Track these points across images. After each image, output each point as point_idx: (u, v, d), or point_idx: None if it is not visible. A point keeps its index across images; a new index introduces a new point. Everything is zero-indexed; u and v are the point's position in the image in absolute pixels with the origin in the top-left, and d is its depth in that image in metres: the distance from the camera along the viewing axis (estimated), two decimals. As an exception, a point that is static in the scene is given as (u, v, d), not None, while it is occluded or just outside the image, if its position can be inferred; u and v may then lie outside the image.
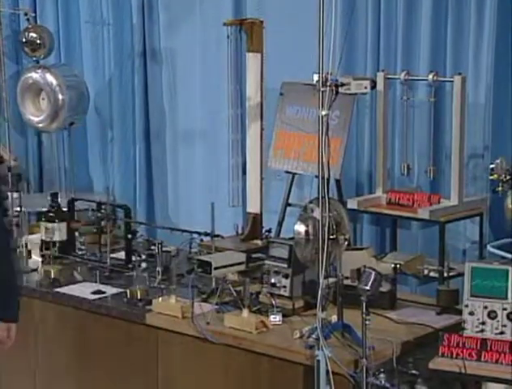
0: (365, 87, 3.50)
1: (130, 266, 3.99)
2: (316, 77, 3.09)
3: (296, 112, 4.23)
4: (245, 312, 3.34)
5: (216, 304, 3.48)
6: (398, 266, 3.50)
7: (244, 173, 4.32)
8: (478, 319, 2.93)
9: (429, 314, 3.45)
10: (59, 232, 4.18)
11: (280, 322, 3.36)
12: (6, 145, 4.94)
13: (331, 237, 3.15)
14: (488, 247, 3.82)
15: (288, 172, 4.28)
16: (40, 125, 5.12)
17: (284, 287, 3.51)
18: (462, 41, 4.04)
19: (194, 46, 5.03)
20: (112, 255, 4.04)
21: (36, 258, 4.22)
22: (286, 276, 3.52)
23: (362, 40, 4.32)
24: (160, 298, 3.57)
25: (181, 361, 3.49)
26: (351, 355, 3.06)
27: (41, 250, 4.20)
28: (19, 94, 5.12)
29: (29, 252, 4.25)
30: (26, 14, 5.23)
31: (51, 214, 4.23)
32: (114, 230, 4.29)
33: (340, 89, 3.11)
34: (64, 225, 4.20)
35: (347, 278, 3.34)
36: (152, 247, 4.09)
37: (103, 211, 4.12)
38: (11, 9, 5.39)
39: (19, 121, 5.35)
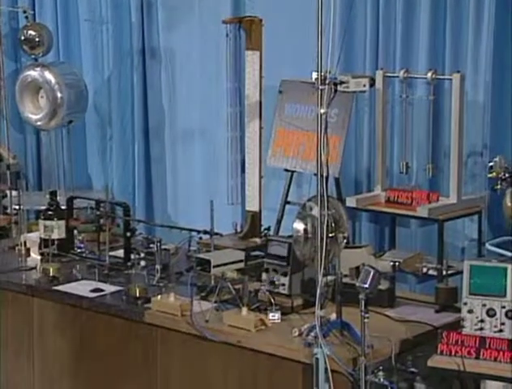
0: (364, 85, 3.50)
1: (129, 264, 3.99)
2: (315, 75, 3.09)
3: (295, 110, 4.23)
4: (244, 310, 3.34)
5: (215, 302, 3.48)
6: (396, 264, 3.50)
7: (243, 171, 4.32)
8: (477, 317, 2.93)
9: (428, 311, 3.45)
10: (58, 230, 4.18)
11: (279, 320, 3.36)
12: (5, 143, 4.94)
13: (330, 235, 3.15)
14: (487, 245, 3.82)
15: (286, 170, 4.29)
16: (39, 123, 5.12)
17: (283, 285, 3.51)
18: (461, 39, 4.04)
19: (192, 44, 5.03)
20: (111, 253, 4.04)
21: (34, 256, 4.22)
22: (285, 274, 3.52)
23: (361, 39, 4.32)
24: (159, 296, 3.57)
25: (180, 359, 3.49)
26: (350, 353, 3.06)
27: (40, 248, 4.20)
28: (17, 92, 5.12)
29: (28, 250, 4.25)
30: (25, 12, 5.23)
31: (50, 212, 4.23)
32: (113, 228, 4.29)
33: (339, 87, 3.12)
34: (63, 223, 4.20)
35: (345, 276, 3.34)
36: (151, 245, 4.09)
37: (102, 209, 4.11)
38: (10, 7, 5.39)
39: (17, 119, 5.35)
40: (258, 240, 4.08)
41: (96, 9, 5.34)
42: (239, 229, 4.22)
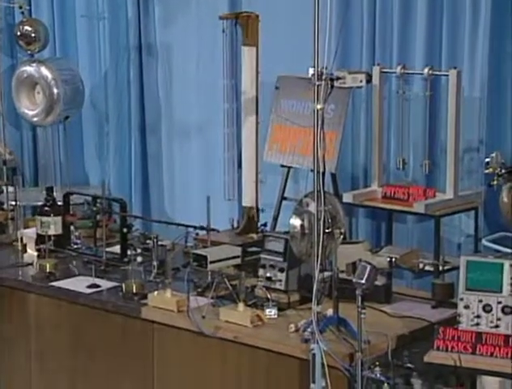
0: (361, 81, 3.50)
1: (126, 260, 3.98)
2: (311, 71, 3.09)
3: (292, 106, 4.23)
4: (241, 306, 3.34)
5: (212, 298, 3.48)
6: (393, 260, 3.50)
7: (239, 166, 4.32)
8: (473, 313, 2.93)
9: (425, 307, 3.45)
10: (54, 226, 4.18)
11: (276, 316, 3.37)
12: (1, 139, 4.93)
13: (327, 230, 3.15)
14: (483, 241, 3.83)
15: (283, 166, 4.28)
16: (35, 119, 5.11)
17: (280, 281, 3.51)
18: (458, 35, 4.05)
19: (189, 40, 5.02)
20: (107, 249, 4.04)
21: (31, 252, 4.22)
22: (281, 270, 3.52)
23: (358, 34, 4.32)
24: (156, 292, 3.57)
25: (177, 355, 3.49)
26: (346, 348, 3.06)
27: (37, 243, 4.19)
28: (13, 88, 5.11)
29: (24, 246, 4.25)
30: (21, 8, 5.22)
31: (46, 208, 4.22)
32: (110, 224, 4.28)
33: (335, 83, 3.11)
34: (59, 219, 4.20)
35: (342, 272, 3.34)
36: (148, 241, 4.09)
37: (98, 205, 4.11)
38: (6, 2, 5.37)
39: (13, 115, 5.34)
40: (254, 236, 4.08)
41: (92, 4, 5.33)
42: (236, 225, 4.22)
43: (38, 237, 4.20)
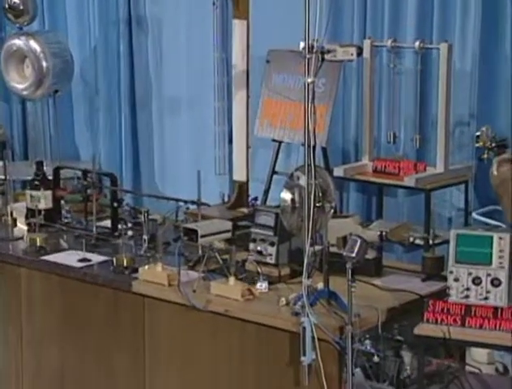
0: (351, 54, 3.48)
1: (116, 234, 3.98)
2: (302, 44, 3.07)
3: (283, 80, 4.22)
4: (232, 280, 3.35)
5: (203, 272, 3.49)
6: (383, 233, 3.51)
7: (230, 141, 4.31)
8: (462, 285, 2.95)
9: (415, 280, 3.47)
10: (44, 200, 4.17)
11: (266, 290, 3.38)
12: (-10, 113, 4.91)
13: (317, 204, 3.15)
14: (474, 214, 3.84)
15: (274, 140, 4.28)
16: (25, 92, 5.08)
17: (270, 255, 3.52)
18: (449, 9, 4.03)
19: (179, 13, 4.99)
20: (98, 223, 4.03)
21: (21, 226, 4.21)
22: (272, 244, 3.52)
23: (349, 8, 4.30)
24: (147, 266, 3.57)
25: (168, 329, 3.50)
26: (336, 322, 3.08)
27: (27, 218, 4.19)
28: (2, 61, 5.07)
29: (15, 220, 4.24)
30: (8, -20, 5.16)
31: (36, 182, 4.21)
32: (100, 198, 4.28)
33: (326, 56, 3.10)
34: (49, 193, 4.19)
35: (333, 245, 3.34)
36: (138, 215, 4.09)
37: (89, 179, 4.10)
38: (-7, -26, 5.32)
39: (2, 89, 5.31)
40: (245, 210, 4.08)
41: (81, -23, 5.29)
42: (226, 199, 4.22)
43: (28, 211, 4.19)
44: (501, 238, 2.92)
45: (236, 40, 4.08)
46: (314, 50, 3.03)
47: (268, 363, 3.23)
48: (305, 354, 3.01)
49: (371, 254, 3.42)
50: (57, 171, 4.29)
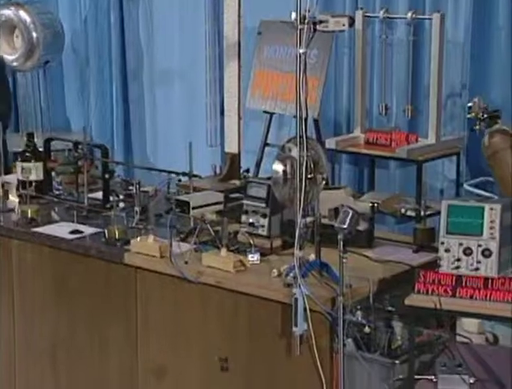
0: (343, 25, 3.46)
1: (108, 206, 3.97)
2: (294, 15, 3.06)
3: (274, 51, 4.19)
4: (224, 251, 3.36)
5: (194, 243, 3.49)
6: (375, 205, 3.52)
7: (222, 112, 4.29)
8: (453, 256, 2.96)
9: (406, 251, 3.48)
10: (35, 171, 4.16)
11: (258, 262, 3.38)
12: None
13: (309, 176, 3.15)
14: (465, 186, 3.85)
15: (265, 112, 4.26)
16: (15, 63, 5.05)
17: (262, 226, 3.52)
18: (442, -22, 4.01)
19: (171, -17, 4.96)
20: (89, 195, 4.03)
21: (12, 198, 4.20)
22: (264, 216, 3.53)
23: (341, -22, 4.27)
24: (139, 238, 3.57)
25: (160, 300, 3.51)
26: (328, 293, 3.09)
27: (18, 189, 4.18)
28: (-9, 32, 5.04)
29: (6, 192, 4.23)
30: (-2, -51, 5.12)
31: (27, 154, 4.20)
32: (91, 170, 4.27)
33: (318, 27, 3.08)
34: (40, 165, 4.18)
35: (324, 217, 3.35)
36: (130, 187, 4.08)
37: (80, 150, 4.08)
38: None
39: (-8, 60, 5.26)
40: (237, 182, 4.07)
41: None
42: (218, 171, 4.21)
43: (19, 182, 4.18)
44: (492, 209, 2.93)
45: (227, 10, 4.06)
46: (306, 21, 3.02)
47: (260, 334, 3.24)
48: (296, 325, 3.02)
49: (363, 226, 3.43)
50: (47, 143, 4.27)
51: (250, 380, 3.29)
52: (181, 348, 3.47)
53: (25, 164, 4.16)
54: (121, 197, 4.04)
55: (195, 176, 3.92)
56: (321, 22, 3.12)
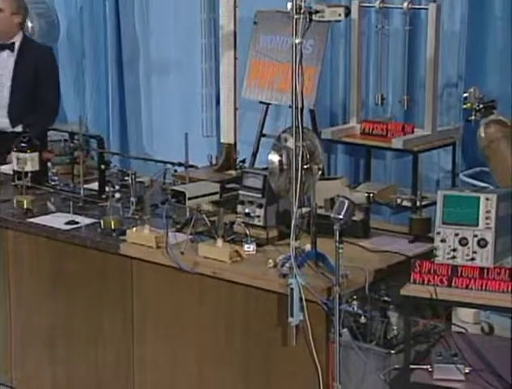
0: (339, 15, 3.46)
1: (104, 196, 3.97)
2: (290, 4, 3.05)
3: (270, 41, 4.19)
4: (220, 242, 3.35)
5: (190, 234, 3.48)
6: (371, 195, 3.51)
7: (218, 103, 4.29)
8: (449, 246, 2.96)
9: (402, 242, 3.48)
10: (31, 162, 4.15)
11: (254, 252, 3.38)
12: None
13: (305, 166, 3.15)
14: (461, 176, 3.85)
15: (262, 102, 4.26)
16: (10, 53, 5.02)
17: (258, 217, 3.52)
18: (438, -32, 4.00)
19: (166, -27, 4.95)
20: (85, 186, 4.02)
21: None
22: (260, 206, 3.52)
23: (337, -33, 4.27)
24: (134, 228, 3.56)
25: (156, 291, 3.51)
26: (324, 283, 3.09)
27: (13, 180, 4.17)
28: (-13, 21, 5.01)
29: (1, 182, 4.22)
30: None
31: (23, 144, 4.19)
32: (87, 161, 4.26)
33: (314, 16, 3.07)
34: (36, 156, 4.17)
35: (320, 207, 3.35)
36: (126, 178, 4.07)
37: (76, 141, 4.08)
38: None
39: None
40: (233, 172, 4.07)
41: None
42: (214, 162, 4.21)
43: (15, 173, 4.17)
44: (487, 199, 2.93)
45: (223, 0, 4.04)
46: (302, 11, 3.01)
47: (256, 324, 3.25)
48: (292, 315, 3.03)
49: (358, 216, 3.42)
50: (43, 133, 4.26)
51: (246, 370, 3.29)
52: (177, 337, 3.47)
53: (21, 155, 4.15)
54: (117, 187, 4.03)
55: (191, 166, 3.92)
56: (317, 12, 3.11)
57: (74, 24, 5.26)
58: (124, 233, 3.59)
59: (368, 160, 4.19)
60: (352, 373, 3.05)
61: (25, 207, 3.91)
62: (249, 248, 3.37)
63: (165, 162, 4.05)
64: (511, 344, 2.93)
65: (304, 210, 3.27)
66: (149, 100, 5.13)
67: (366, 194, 3.51)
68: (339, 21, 3.79)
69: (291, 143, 3.16)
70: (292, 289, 3.01)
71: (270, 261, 3.27)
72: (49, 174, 4.23)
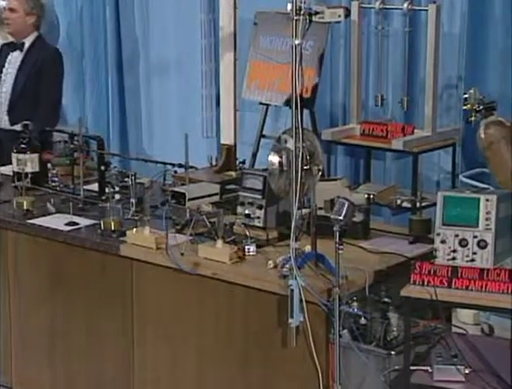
0: (339, 16, 3.46)
1: (104, 197, 3.97)
2: (290, 6, 3.05)
3: (270, 42, 4.19)
4: (220, 243, 3.35)
5: (190, 235, 3.48)
6: (371, 196, 3.52)
7: (218, 104, 4.29)
8: (449, 247, 2.96)
9: (402, 243, 3.48)
10: (31, 163, 4.15)
11: (254, 253, 3.38)
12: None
13: (305, 167, 3.15)
14: (461, 177, 3.85)
15: (261, 103, 4.26)
16: (10, 54, 5.03)
17: (258, 218, 3.52)
18: (438, -31, 4.00)
19: (166, -26, 4.95)
20: (85, 187, 4.02)
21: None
22: (260, 207, 3.52)
23: (337, -31, 4.27)
24: (134, 229, 3.56)
25: (156, 292, 3.51)
26: (324, 284, 3.09)
27: (13, 181, 4.17)
28: (-14, 21, 5.03)
29: (1, 184, 4.22)
30: None
31: (23, 145, 4.19)
32: (87, 162, 4.26)
33: (314, 18, 3.08)
34: (36, 157, 4.17)
35: (320, 208, 3.35)
36: (126, 179, 4.07)
37: (76, 142, 4.08)
38: None
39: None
40: (233, 173, 4.07)
41: None
42: (214, 163, 4.21)
43: (15, 174, 4.17)
44: (487, 200, 2.93)
45: (223, 1, 4.04)
46: (302, 12, 3.01)
47: (256, 325, 3.25)
48: (292, 316, 3.03)
49: (358, 217, 3.43)
50: (43, 134, 4.26)
51: (246, 371, 3.29)
52: (177, 338, 3.47)
53: (21, 156, 4.15)
54: (117, 188, 4.04)
55: (191, 167, 3.92)
56: (316, 13, 3.12)
57: (74, 25, 5.26)
58: (124, 234, 3.59)
59: (368, 161, 4.19)
60: (352, 374, 3.05)
61: (25, 208, 3.91)
62: (249, 249, 3.38)
63: (165, 163, 4.05)
64: (511, 345, 2.93)
65: (304, 211, 3.27)
66: (149, 101, 5.13)
67: (366, 195, 3.51)
68: (339, 22, 3.81)
69: (291, 144, 3.16)
70: (292, 290, 3.01)
71: (270, 262, 3.27)
72: (49, 175, 4.23)
